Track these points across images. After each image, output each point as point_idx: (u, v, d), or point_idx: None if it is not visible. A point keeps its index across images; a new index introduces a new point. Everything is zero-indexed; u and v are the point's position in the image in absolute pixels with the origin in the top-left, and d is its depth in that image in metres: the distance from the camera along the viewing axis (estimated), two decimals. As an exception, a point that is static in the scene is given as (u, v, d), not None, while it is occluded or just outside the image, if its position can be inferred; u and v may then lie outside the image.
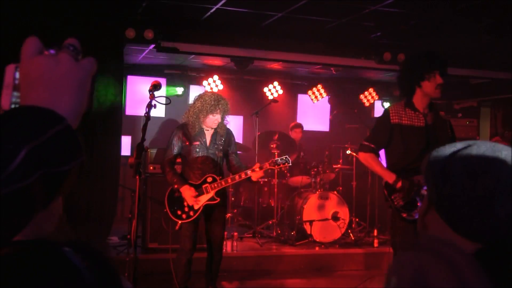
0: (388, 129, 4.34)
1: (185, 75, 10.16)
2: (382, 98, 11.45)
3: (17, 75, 0.96)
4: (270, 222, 8.43)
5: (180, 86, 10.13)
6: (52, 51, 0.96)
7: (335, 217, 7.97)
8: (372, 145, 4.40)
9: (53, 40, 0.99)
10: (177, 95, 10.01)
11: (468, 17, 6.69)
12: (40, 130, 0.83)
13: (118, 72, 7.30)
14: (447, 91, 10.80)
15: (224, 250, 5.61)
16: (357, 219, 8.70)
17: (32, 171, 0.80)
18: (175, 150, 5.25)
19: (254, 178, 5.24)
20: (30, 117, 0.85)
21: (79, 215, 6.78)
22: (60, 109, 0.89)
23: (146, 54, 8.74)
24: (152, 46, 7.48)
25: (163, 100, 4.61)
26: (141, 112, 9.53)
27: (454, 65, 8.93)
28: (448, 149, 1.32)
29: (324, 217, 7.94)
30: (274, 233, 8.27)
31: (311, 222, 7.82)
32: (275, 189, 8.37)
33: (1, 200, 0.78)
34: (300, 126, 9.66)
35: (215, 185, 5.19)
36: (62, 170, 0.85)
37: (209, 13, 6.88)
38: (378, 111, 11.78)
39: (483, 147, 1.28)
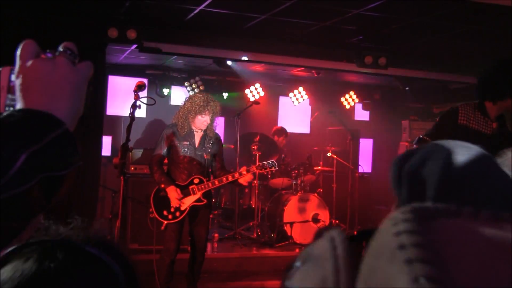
0: (453, 128, 4.01)
1: (167, 76, 10.13)
2: (362, 101, 11.55)
3: (12, 77, 0.95)
4: (251, 224, 8.44)
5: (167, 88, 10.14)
6: (49, 55, 0.96)
7: (315, 219, 8.01)
8: (430, 142, 4.01)
9: (35, 38, 0.98)
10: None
11: (448, 23, 6.79)
12: (40, 134, 0.83)
13: (99, 71, 7.24)
14: (426, 95, 10.95)
15: (205, 251, 5.62)
16: (337, 221, 8.75)
17: (31, 175, 0.80)
18: (164, 149, 5.25)
19: (243, 182, 5.28)
20: (30, 121, 0.84)
21: (58, 216, 6.71)
22: (57, 112, 0.88)
23: (127, 54, 8.70)
24: (135, 46, 7.44)
25: (148, 101, 4.60)
26: (122, 112, 9.56)
27: (434, 70, 9.05)
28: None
29: (305, 219, 7.97)
30: (255, 235, 8.28)
31: (291, 224, 7.85)
32: (256, 191, 8.38)
33: (1, 204, 0.77)
34: (285, 134, 9.62)
35: (202, 186, 5.20)
36: (60, 174, 0.85)
37: (192, 14, 6.87)
38: (359, 113, 11.88)
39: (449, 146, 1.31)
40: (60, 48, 0.97)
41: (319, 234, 0.62)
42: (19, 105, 0.92)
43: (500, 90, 3.92)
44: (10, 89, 0.95)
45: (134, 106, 4.37)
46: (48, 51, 0.96)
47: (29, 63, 0.93)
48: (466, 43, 7.73)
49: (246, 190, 8.80)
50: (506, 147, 1.85)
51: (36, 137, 0.82)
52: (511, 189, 1.22)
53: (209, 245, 7.35)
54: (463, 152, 1.27)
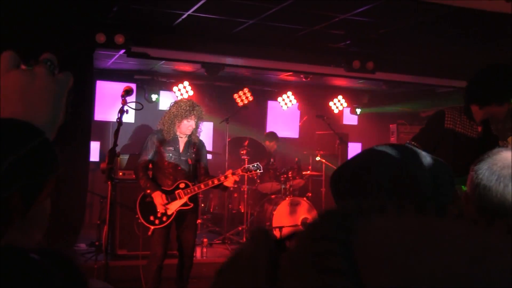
0: (439, 132, 4.00)
1: (155, 81, 10.12)
2: (351, 105, 11.60)
3: None
4: (240, 228, 8.43)
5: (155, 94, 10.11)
6: (28, 66, 0.97)
7: (304, 223, 8.01)
8: (418, 146, 3.87)
9: (23, 43, 1.00)
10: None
11: (435, 27, 6.84)
12: (21, 143, 0.84)
13: (87, 77, 7.22)
14: (413, 100, 11.00)
15: (194, 256, 5.60)
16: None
17: (12, 183, 0.82)
18: (149, 155, 5.25)
19: (229, 184, 5.31)
20: (10, 130, 0.86)
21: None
22: (37, 122, 0.90)
23: (116, 59, 8.68)
24: (123, 51, 7.43)
25: (136, 106, 4.59)
26: (110, 117, 9.54)
27: (420, 74, 9.11)
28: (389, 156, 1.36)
29: (294, 223, 7.98)
30: (244, 239, 8.26)
31: (280, 228, 7.85)
32: (245, 195, 8.38)
33: None
34: (277, 139, 9.62)
35: (188, 190, 5.21)
36: (40, 182, 0.86)
37: (180, 19, 6.88)
38: (347, 118, 11.93)
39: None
40: (40, 59, 0.99)
41: (250, 235, 0.64)
42: None
43: (486, 95, 3.92)
44: None
45: (121, 111, 4.35)
46: (28, 62, 0.98)
47: (9, 73, 0.94)
48: (453, 48, 7.79)
49: (235, 195, 8.79)
50: (491, 150, 1.86)
51: (17, 145, 0.84)
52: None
53: (198, 250, 7.34)
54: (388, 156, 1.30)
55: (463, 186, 1.94)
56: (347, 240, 0.47)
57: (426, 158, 1.32)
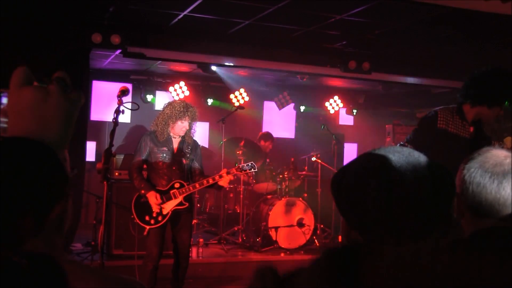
0: (432, 133, 4.02)
1: (151, 81, 10.11)
2: (347, 105, 11.61)
3: (4, 100, 0.96)
4: (236, 229, 8.43)
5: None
6: (42, 83, 0.97)
7: (300, 224, 8.03)
8: (411, 147, 3.81)
9: (20, 43, 1.00)
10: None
11: (430, 28, 6.86)
12: (36, 167, 0.85)
13: (83, 77, 7.21)
14: (409, 100, 11.02)
15: (189, 257, 5.60)
16: (322, 226, 8.77)
17: (26, 206, 0.82)
18: (143, 156, 5.26)
19: (224, 184, 5.32)
20: (24, 153, 0.86)
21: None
22: (49, 139, 0.90)
23: (112, 59, 8.67)
24: (119, 51, 7.43)
25: (132, 106, 4.59)
26: (106, 117, 9.54)
27: (416, 75, 9.13)
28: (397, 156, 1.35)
29: (290, 223, 7.98)
30: (240, 240, 8.27)
31: (276, 228, 7.86)
32: (241, 196, 8.38)
33: None
34: (272, 139, 9.62)
35: (183, 190, 5.22)
36: (51, 204, 0.86)
37: (176, 19, 6.88)
38: (343, 118, 11.94)
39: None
40: (53, 78, 0.99)
41: (256, 274, 0.64)
42: (10, 130, 0.93)
43: (480, 95, 3.94)
44: (2, 112, 0.97)
45: (117, 111, 4.34)
46: (41, 80, 0.98)
47: (22, 89, 0.94)
48: (448, 48, 7.81)
49: (231, 195, 8.79)
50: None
51: (33, 170, 0.85)
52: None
53: (194, 250, 7.33)
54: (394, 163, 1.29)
55: None
56: (352, 283, 0.48)
57: (426, 162, 1.31)
